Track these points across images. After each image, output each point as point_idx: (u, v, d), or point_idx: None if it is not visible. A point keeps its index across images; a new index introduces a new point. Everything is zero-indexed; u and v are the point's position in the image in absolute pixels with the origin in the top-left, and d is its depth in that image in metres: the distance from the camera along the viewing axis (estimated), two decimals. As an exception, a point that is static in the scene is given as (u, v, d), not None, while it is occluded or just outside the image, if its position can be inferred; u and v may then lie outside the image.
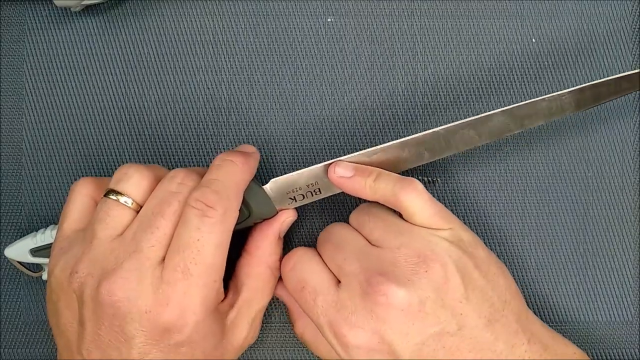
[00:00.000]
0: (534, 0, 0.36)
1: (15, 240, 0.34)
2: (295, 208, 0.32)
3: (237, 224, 0.30)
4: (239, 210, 0.30)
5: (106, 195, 0.28)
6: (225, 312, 0.30)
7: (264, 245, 0.31)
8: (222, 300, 0.30)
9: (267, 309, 0.35)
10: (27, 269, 0.34)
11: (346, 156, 0.30)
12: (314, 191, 0.31)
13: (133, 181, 0.28)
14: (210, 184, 0.28)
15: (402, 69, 0.35)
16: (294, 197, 0.31)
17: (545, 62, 0.36)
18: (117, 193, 0.28)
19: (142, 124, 0.35)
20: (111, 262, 0.27)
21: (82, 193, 0.30)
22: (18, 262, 0.33)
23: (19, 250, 0.32)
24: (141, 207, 0.28)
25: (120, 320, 0.26)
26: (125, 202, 0.28)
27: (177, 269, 0.26)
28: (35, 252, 0.32)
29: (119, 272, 0.26)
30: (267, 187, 0.30)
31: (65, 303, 0.28)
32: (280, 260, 0.32)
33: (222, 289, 0.29)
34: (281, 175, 0.30)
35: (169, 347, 0.26)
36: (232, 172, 0.29)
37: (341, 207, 0.35)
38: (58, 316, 0.28)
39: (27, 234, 0.34)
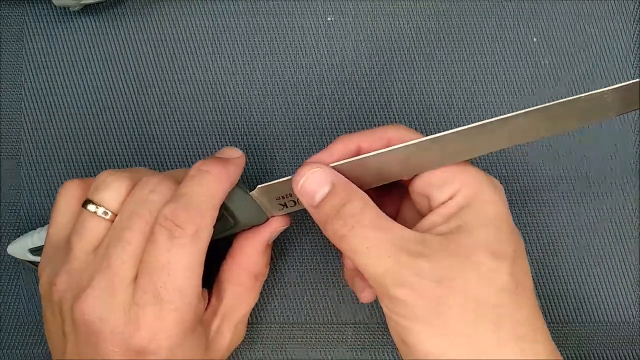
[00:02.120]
0: (534, 0, 0.36)
1: (16, 237, 0.34)
2: (288, 214, 0.30)
3: (222, 232, 0.29)
4: (224, 219, 0.29)
5: (84, 205, 0.27)
6: (209, 320, 0.29)
7: (250, 253, 0.30)
8: (206, 308, 0.29)
9: (265, 308, 0.35)
10: (32, 263, 0.34)
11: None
12: None
13: (110, 190, 0.27)
14: (181, 199, 0.26)
15: (401, 69, 0.35)
16: (285, 203, 0.28)
17: (545, 62, 0.36)
18: (95, 203, 0.27)
19: (142, 124, 0.35)
20: (85, 278, 0.26)
21: (67, 197, 0.29)
22: (23, 260, 0.33)
23: (20, 249, 0.32)
24: None
25: (94, 339, 0.25)
26: (104, 213, 0.27)
27: (147, 292, 0.25)
28: (34, 251, 0.32)
29: (90, 291, 0.25)
30: (254, 193, 0.28)
31: (50, 311, 0.27)
32: (267, 267, 0.31)
33: (203, 302, 0.28)
34: (275, 177, 0.29)
35: None
36: (207, 184, 0.27)
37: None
38: (47, 322, 0.28)
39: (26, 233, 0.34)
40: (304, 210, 0.35)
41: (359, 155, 0.27)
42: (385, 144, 0.27)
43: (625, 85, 0.24)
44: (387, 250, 0.24)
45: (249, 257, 0.30)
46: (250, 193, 0.28)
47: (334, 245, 0.30)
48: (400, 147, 0.26)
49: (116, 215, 0.27)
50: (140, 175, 0.28)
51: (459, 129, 0.25)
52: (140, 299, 0.25)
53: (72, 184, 0.29)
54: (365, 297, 0.30)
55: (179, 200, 0.26)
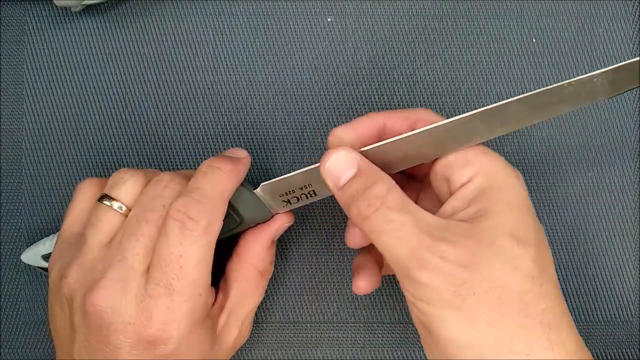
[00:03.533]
0: (534, 0, 0.36)
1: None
2: (292, 211, 0.31)
3: (228, 230, 0.30)
4: (230, 218, 0.29)
5: (100, 200, 0.28)
6: (216, 315, 0.29)
7: (256, 249, 0.30)
8: (213, 304, 0.29)
9: (266, 307, 0.35)
10: (45, 270, 0.34)
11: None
12: (309, 193, 0.29)
13: (127, 187, 0.28)
14: (193, 193, 0.27)
15: (402, 69, 0.35)
16: (288, 199, 0.29)
17: (545, 62, 0.36)
18: (111, 198, 0.28)
19: (142, 124, 0.35)
20: (98, 270, 0.26)
21: (84, 194, 0.29)
22: (36, 267, 0.33)
23: (33, 256, 0.32)
24: None
25: (106, 331, 0.26)
26: (119, 207, 0.28)
27: (159, 283, 0.26)
28: (46, 257, 0.32)
29: (102, 282, 0.26)
30: (258, 191, 0.29)
31: (59, 306, 0.28)
32: (272, 265, 0.31)
33: (211, 296, 0.28)
34: (276, 176, 0.29)
35: (155, 358, 0.26)
36: (218, 180, 0.28)
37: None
38: (54, 317, 0.28)
39: (27, 234, 0.34)
40: (305, 211, 0.35)
41: (382, 132, 0.27)
42: (410, 125, 0.27)
43: (614, 67, 0.24)
44: (412, 232, 0.24)
45: (255, 254, 0.30)
46: (255, 191, 0.29)
47: (341, 244, 0.30)
48: (424, 130, 0.26)
49: (130, 210, 0.28)
50: (155, 172, 0.29)
51: (476, 111, 0.25)
52: (153, 291, 0.26)
53: (90, 182, 0.30)
54: (362, 287, 0.29)
55: (191, 194, 0.27)
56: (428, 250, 0.23)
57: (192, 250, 0.26)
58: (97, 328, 0.26)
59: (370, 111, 0.35)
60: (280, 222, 0.30)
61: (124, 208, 0.28)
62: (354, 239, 0.29)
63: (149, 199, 0.27)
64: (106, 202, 0.28)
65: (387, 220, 0.24)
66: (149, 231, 0.27)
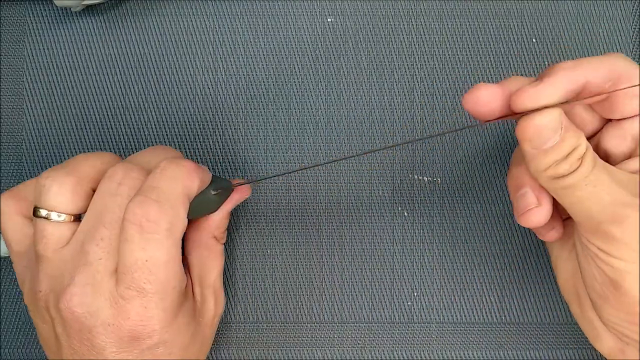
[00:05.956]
0: (534, 0, 0.36)
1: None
2: (250, 185, 0.31)
3: (198, 217, 0.30)
4: (199, 212, 0.29)
5: (35, 214, 0.26)
6: (191, 291, 0.29)
7: (214, 220, 0.30)
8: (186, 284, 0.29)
9: (266, 307, 0.35)
10: None
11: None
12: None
13: (53, 192, 0.26)
14: (151, 192, 0.25)
15: (402, 69, 0.35)
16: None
17: (545, 62, 0.36)
18: (44, 209, 0.26)
19: (142, 124, 0.35)
20: (67, 276, 0.26)
21: (7, 214, 0.28)
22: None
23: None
24: (76, 214, 0.27)
25: (87, 334, 0.26)
26: (57, 216, 0.26)
27: (130, 287, 0.25)
28: None
29: (72, 288, 0.25)
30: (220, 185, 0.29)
31: (40, 319, 0.27)
32: (225, 232, 0.31)
33: (184, 280, 0.27)
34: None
35: (142, 352, 0.26)
36: (178, 176, 0.26)
37: (328, 196, 0.35)
38: (39, 331, 0.28)
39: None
40: (304, 211, 0.35)
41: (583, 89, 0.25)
42: (614, 76, 0.25)
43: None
44: (607, 187, 0.24)
45: (213, 224, 0.30)
46: (215, 192, 0.29)
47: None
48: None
49: (70, 213, 0.26)
50: (80, 169, 0.27)
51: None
52: (125, 294, 0.25)
53: (5, 198, 0.28)
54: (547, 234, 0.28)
55: (148, 194, 0.25)
56: (626, 206, 0.23)
57: (158, 254, 0.25)
58: (78, 333, 0.26)
59: (370, 111, 0.35)
60: (240, 196, 0.31)
61: (63, 215, 0.26)
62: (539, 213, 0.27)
63: (104, 198, 0.26)
64: (41, 214, 0.26)
65: (584, 176, 0.24)
66: (108, 234, 0.26)
